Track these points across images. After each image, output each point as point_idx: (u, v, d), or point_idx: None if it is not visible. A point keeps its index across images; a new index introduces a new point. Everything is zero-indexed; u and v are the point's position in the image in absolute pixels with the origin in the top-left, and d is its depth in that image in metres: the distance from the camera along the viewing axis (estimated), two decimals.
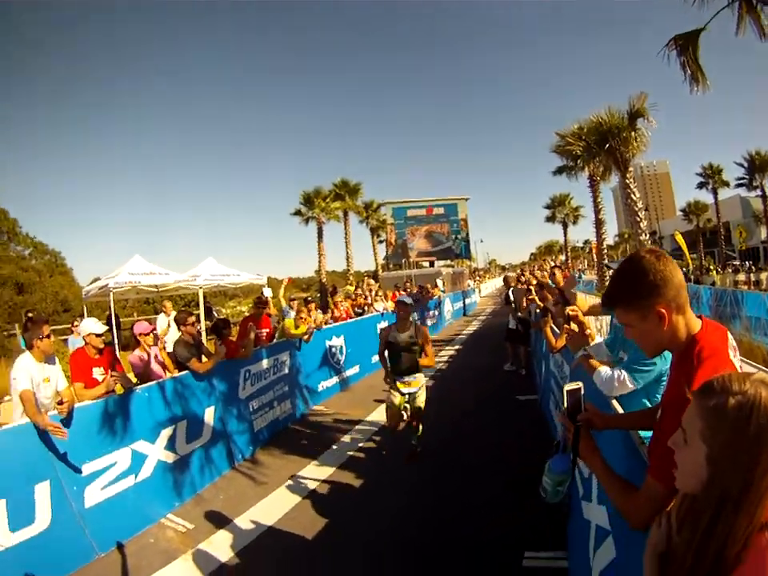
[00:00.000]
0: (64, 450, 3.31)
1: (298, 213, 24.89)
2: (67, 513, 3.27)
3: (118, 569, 3.19)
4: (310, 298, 9.33)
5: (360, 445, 5.07)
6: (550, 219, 34.18)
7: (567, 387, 1.45)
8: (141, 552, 3.36)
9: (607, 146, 15.50)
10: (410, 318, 4.46)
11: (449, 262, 36.25)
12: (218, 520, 3.73)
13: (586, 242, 53.02)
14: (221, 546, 3.34)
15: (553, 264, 10.93)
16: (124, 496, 3.66)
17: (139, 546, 3.45)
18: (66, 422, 3.28)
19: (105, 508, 3.50)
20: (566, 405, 1.42)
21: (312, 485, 4.18)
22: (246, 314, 14.23)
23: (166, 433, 4.13)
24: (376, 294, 11.32)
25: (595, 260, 22.95)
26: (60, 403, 3.15)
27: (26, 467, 3.12)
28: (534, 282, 7.64)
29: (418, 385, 4.41)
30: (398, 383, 4.39)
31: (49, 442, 3.23)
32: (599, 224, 20.39)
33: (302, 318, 6.55)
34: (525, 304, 7.35)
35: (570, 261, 36.93)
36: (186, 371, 4.51)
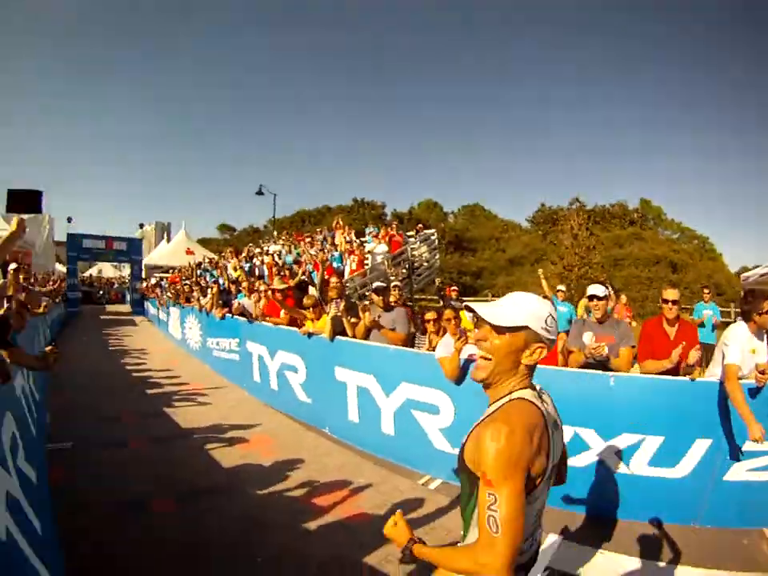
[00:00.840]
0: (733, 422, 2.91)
1: None
2: (707, 477, 3.04)
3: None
4: None
5: None
6: None
7: None
8: None
9: None
10: None
11: None
12: None
13: None
14: None
15: None
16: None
17: None
18: (754, 392, 2.85)
19: (740, 487, 3.07)
20: None
21: None
22: None
23: None
24: None
25: None
26: (762, 373, 2.75)
27: (699, 421, 3.02)
28: None
29: None
30: None
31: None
32: None
33: None
34: None
35: None
36: None
